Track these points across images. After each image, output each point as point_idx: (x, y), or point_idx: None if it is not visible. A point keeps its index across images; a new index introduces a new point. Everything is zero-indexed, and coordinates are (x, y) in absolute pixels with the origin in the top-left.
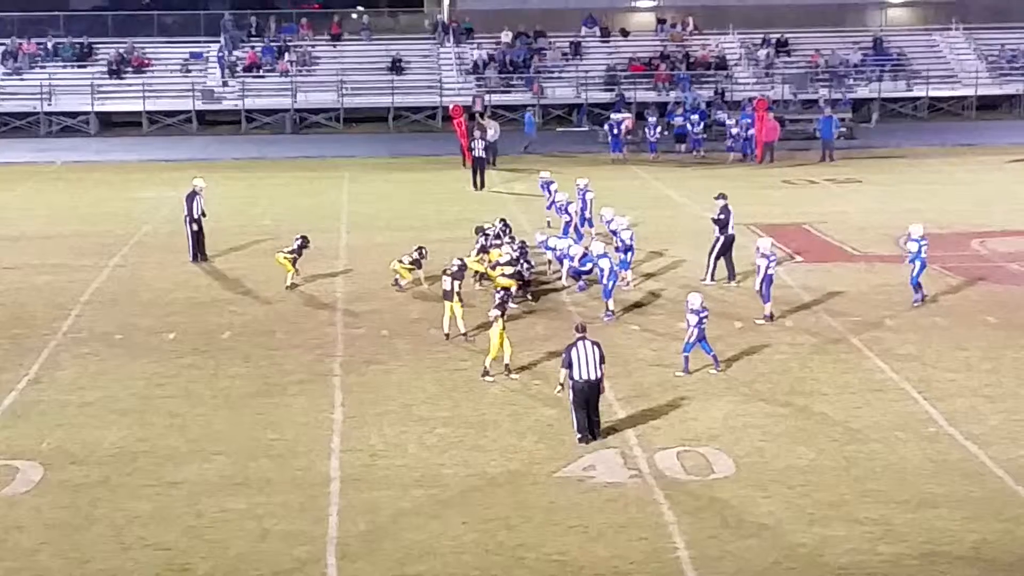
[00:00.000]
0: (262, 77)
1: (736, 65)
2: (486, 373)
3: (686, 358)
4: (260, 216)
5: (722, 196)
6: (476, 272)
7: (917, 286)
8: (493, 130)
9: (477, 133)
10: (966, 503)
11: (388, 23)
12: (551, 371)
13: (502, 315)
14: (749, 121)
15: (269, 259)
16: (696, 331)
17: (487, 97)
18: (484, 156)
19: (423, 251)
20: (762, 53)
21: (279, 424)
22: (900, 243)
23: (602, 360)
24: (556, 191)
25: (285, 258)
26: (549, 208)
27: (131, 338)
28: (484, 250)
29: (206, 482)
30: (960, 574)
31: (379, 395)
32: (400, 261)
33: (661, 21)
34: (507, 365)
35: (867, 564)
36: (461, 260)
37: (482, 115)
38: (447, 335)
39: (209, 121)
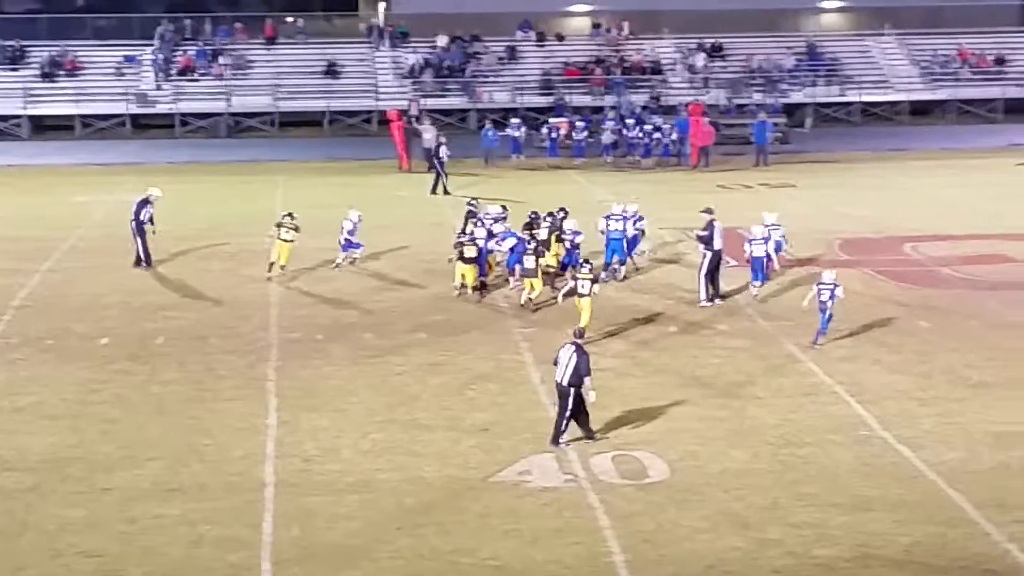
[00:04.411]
0: (196, 81)
1: (670, 70)
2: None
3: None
4: (194, 221)
5: (708, 211)
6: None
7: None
8: (430, 135)
9: (443, 139)
10: (899, 506)
11: (323, 27)
12: (490, 375)
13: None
14: (651, 127)
15: (203, 264)
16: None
17: (422, 101)
18: (444, 160)
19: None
20: (697, 58)
21: (213, 430)
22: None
23: (581, 369)
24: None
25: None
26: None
27: (64, 343)
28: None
29: (139, 488)
30: None
31: (314, 400)
32: (280, 239)
33: (596, 26)
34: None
35: (801, 567)
36: (535, 240)
37: (418, 119)
38: (532, 307)
39: (143, 125)
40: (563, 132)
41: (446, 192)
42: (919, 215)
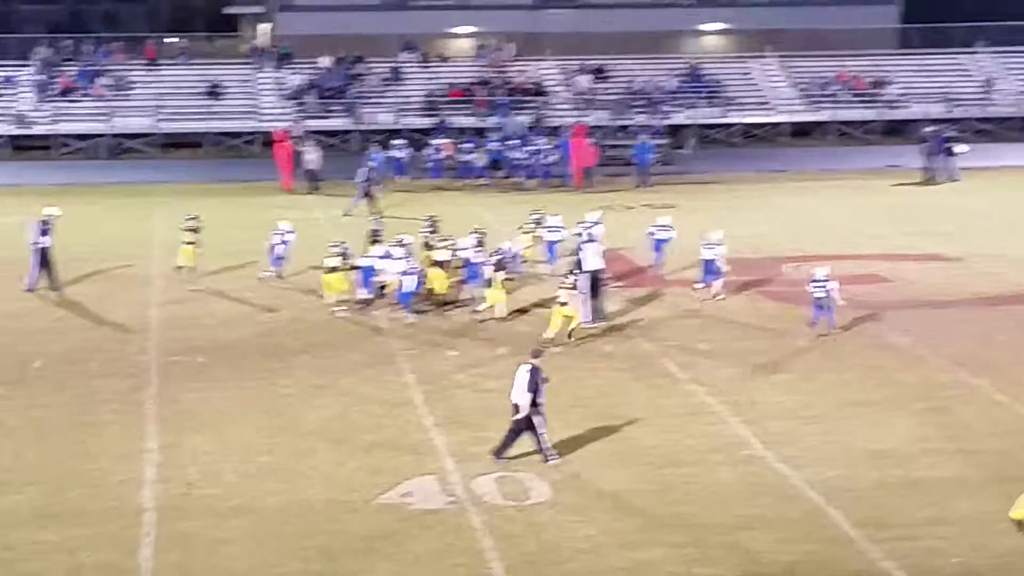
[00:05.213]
0: (77, 101)
1: (554, 91)
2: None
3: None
4: (74, 244)
5: (578, 234)
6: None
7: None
8: (314, 156)
9: (372, 160)
10: (780, 525)
11: (205, 47)
12: (373, 396)
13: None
14: (534, 148)
15: (83, 287)
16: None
17: (305, 122)
18: (369, 180)
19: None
20: (580, 79)
21: (93, 454)
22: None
23: (527, 386)
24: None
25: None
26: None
27: None
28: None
29: (17, 514)
30: None
31: (195, 423)
32: (184, 242)
33: (480, 47)
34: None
35: None
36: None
37: (301, 141)
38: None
39: (21, 147)
40: (446, 153)
41: (346, 213)
42: (799, 235)
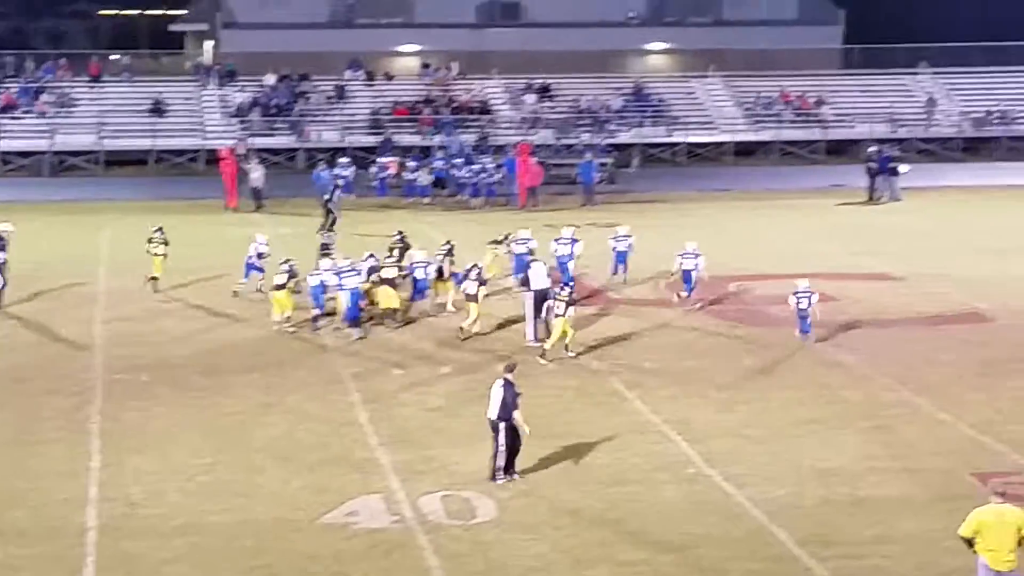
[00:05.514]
0: (19, 118)
1: (499, 110)
2: (543, 354)
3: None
4: (17, 262)
5: (528, 252)
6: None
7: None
8: (258, 173)
9: (336, 174)
10: (725, 543)
11: (149, 65)
12: (318, 415)
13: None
14: (479, 167)
15: (28, 305)
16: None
17: (250, 140)
18: (331, 198)
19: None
20: (526, 98)
21: (35, 473)
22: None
23: (507, 403)
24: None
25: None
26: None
27: None
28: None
29: None
30: None
31: (139, 442)
32: (153, 253)
33: (425, 66)
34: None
35: None
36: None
37: (246, 158)
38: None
39: None
40: (392, 171)
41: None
42: (744, 255)
